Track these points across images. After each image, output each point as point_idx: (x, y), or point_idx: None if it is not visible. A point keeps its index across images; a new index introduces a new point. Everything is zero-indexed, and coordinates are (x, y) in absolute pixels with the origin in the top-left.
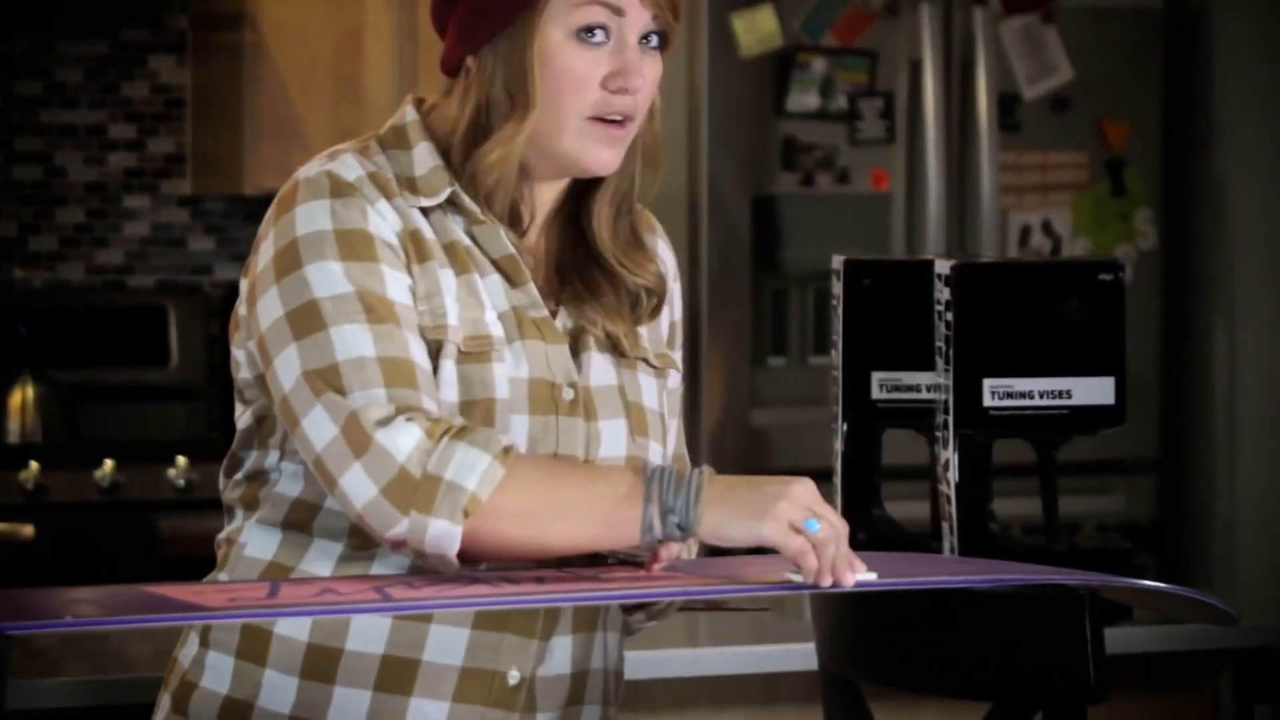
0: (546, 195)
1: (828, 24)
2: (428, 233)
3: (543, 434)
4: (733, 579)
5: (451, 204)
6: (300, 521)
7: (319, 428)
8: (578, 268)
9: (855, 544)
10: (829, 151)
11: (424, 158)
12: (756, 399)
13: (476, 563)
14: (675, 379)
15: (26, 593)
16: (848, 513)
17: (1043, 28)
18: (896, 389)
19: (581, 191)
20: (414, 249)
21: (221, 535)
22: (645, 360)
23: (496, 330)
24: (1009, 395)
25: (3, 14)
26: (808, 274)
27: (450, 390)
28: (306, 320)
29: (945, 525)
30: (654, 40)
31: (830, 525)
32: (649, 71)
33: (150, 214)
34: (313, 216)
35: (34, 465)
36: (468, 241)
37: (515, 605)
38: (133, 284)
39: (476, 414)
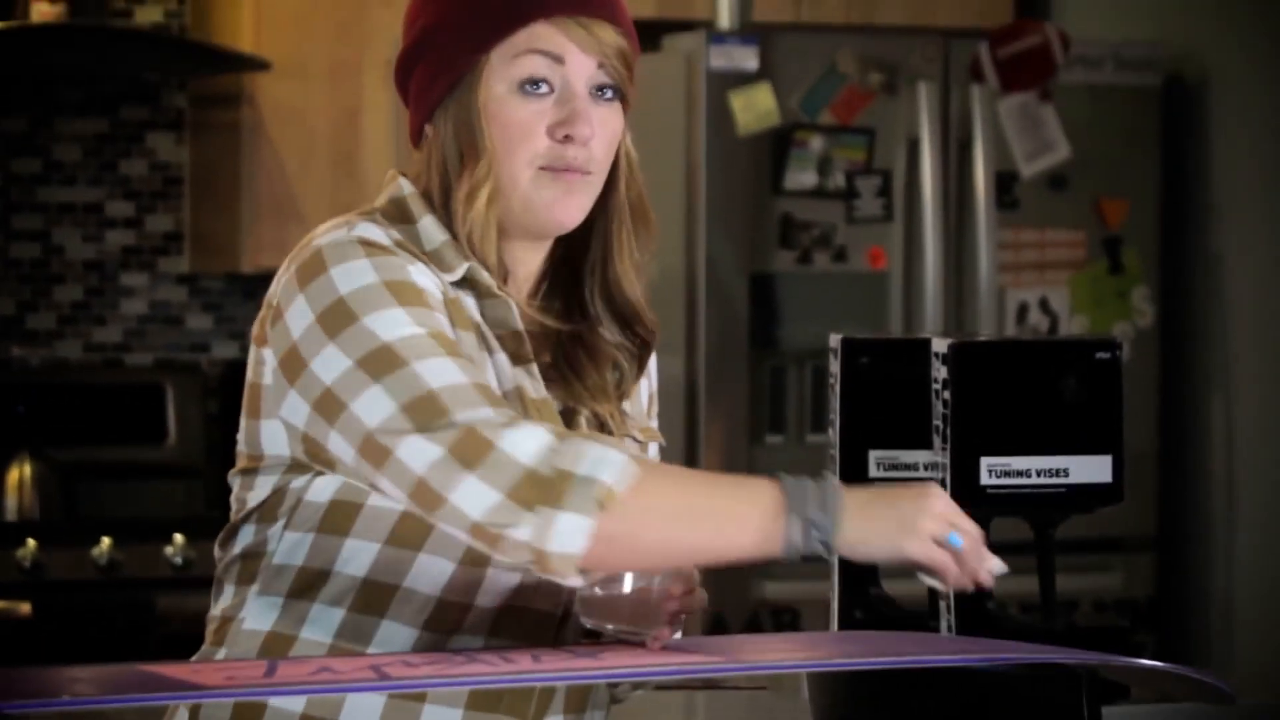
0: (529, 258)
1: (825, 102)
2: (459, 305)
3: None
4: (730, 657)
5: (467, 280)
6: (304, 590)
7: (420, 453)
8: (564, 347)
9: (853, 622)
10: (826, 229)
11: (432, 232)
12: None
13: (598, 574)
14: (654, 449)
15: (24, 671)
16: (845, 592)
17: (1040, 106)
18: (894, 467)
19: (569, 259)
20: (454, 314)
21: (214, 611)
22: (632, 437)
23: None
24: (1006, 474)
25: (1, 92)
26: (805, 352)
27: None
28: (384, 360)
29: (943, 604)
30: (607, 93)
31: (970, 536)
32: (603, 121)
33: (148, 292)
34: (354, 274)
35: (31, 543)
36: (478, 317)
37: (514, 684)
38: (130, 362)
39: None
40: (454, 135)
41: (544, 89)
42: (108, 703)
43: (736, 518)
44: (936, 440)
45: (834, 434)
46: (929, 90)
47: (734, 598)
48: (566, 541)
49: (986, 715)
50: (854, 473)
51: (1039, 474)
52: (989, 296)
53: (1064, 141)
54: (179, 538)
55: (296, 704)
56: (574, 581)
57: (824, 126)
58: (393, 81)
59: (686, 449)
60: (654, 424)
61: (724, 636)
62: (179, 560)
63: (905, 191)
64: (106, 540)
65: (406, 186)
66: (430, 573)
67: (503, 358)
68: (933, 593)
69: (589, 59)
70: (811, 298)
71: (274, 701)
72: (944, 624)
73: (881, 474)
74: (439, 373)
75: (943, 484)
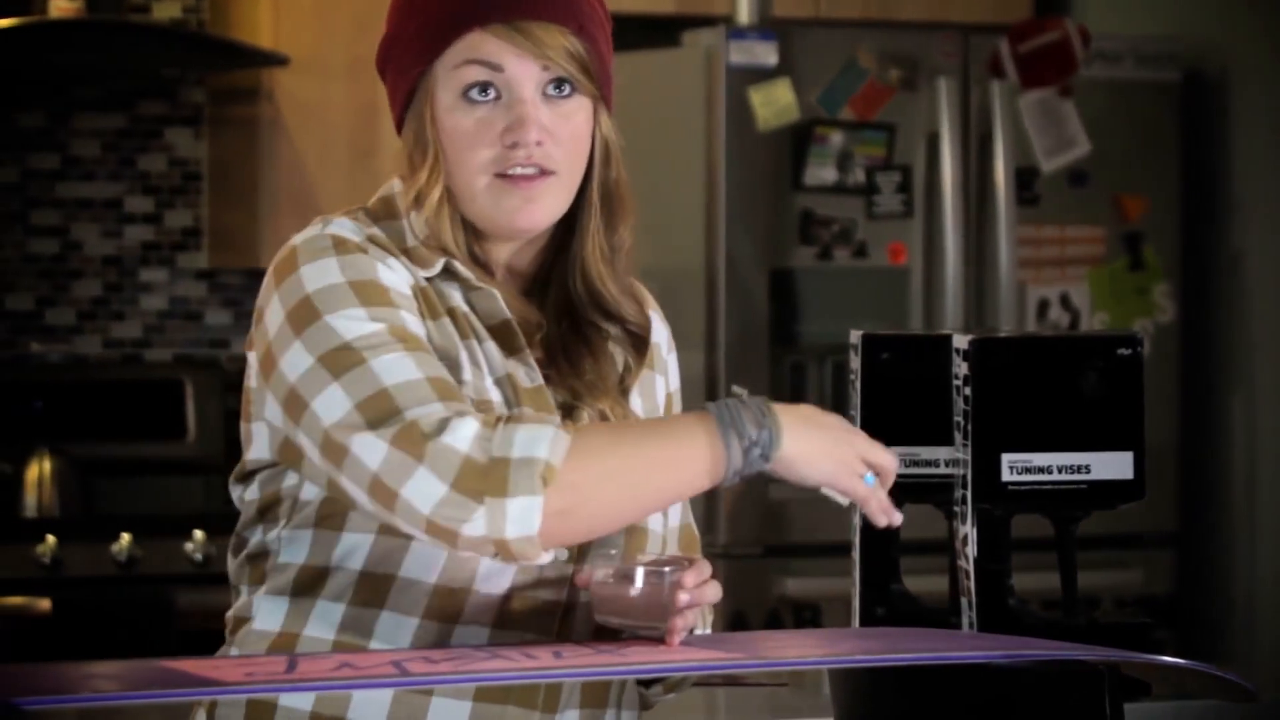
0: (518, 254)
1: (845, 97)
2: (433, 295)
3: None
4: (751, 653)
5: (448, 272)
6: (307, 586)
7: (371, 450)
8: (563, 342)
9: (874, 619)
10: (847, 225)
11: (416, 227)
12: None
13: (567, 547)
14: None
15: (43, 667)
16: (866, 589)
17: (1060, 102)
18: (915, 464)
19: (556, 251)
20: (426, 305)
21: (230, 613)
22: None
23: (495, 396)
24: (1027, 470)
25: (20, 88)
26: (825, 348)
27: None
28: (343, 359)
29: (964, 600)
30: (564, 89)
31: (886, 473)
32: (562, 119)
33: (167, 287)
34: (322, 273)
35: (51, 539)
36: (465, 308)
37: (535, 679)
38: (150, 358)
39: None
40: (414, 142)
41: (491, 94)
42: (129, 699)
43: (678, 458)
44: (957, 436)
45: None
46: (949, 86)
47: (754, 594)
48: (521, 525)
49: (1008, 712)
50: None
51: (1060, 470)
52: (1009, 292)
53: (1084, 137)
54: (198, 534)
55: (306, 700)
56: (544, 559)
57: (844, 122)
58: None
59: None
60: None
61: (745, 633)
62: (199, 556)
63: (925, 187)
64: (126, 536)
65: (397, 185)
66: (424, 560)
67: (492, 346)
68: (954, 589)
69: (530, 63)
70: (831, 293)
71: (284, 699)
72: (965, 620)
73: (903, 470)
74: (393, 369)
75: (964, 481)
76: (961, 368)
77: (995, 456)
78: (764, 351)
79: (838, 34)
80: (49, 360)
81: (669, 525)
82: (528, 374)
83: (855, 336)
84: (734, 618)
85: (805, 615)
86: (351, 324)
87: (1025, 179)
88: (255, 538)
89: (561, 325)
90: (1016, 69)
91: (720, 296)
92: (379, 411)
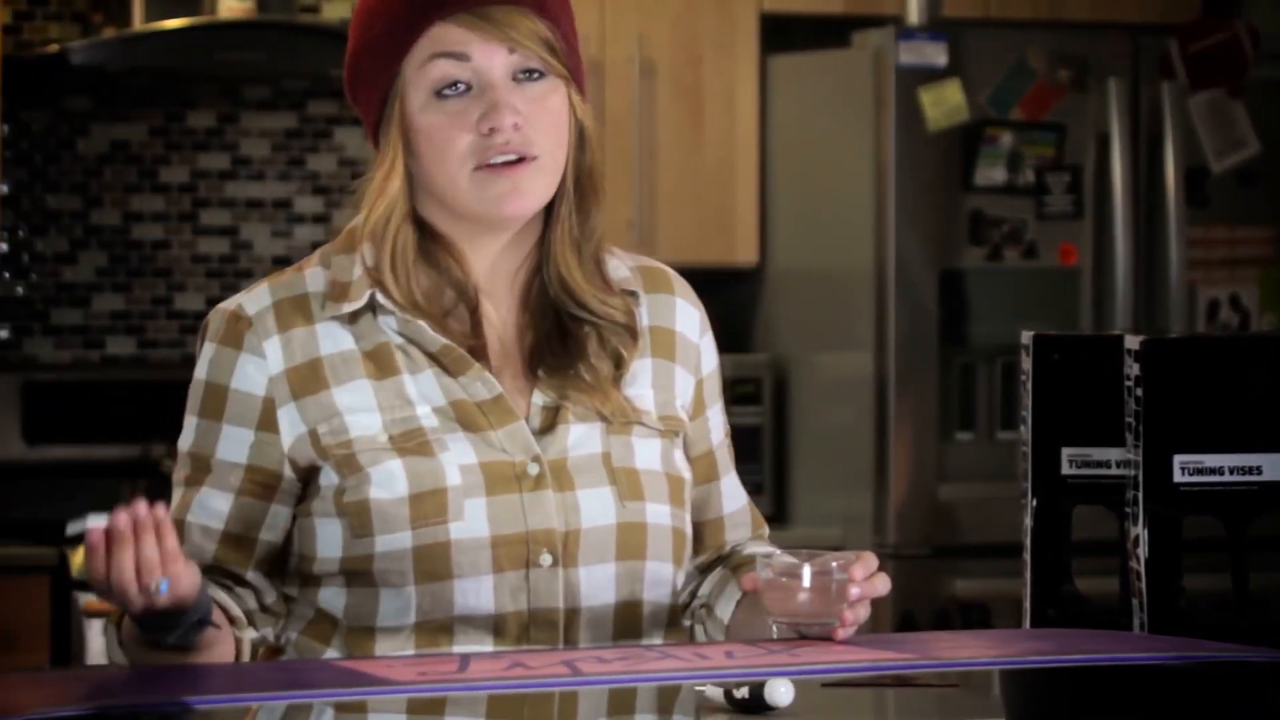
0: (483, 259)
1: (1015, 98)
2: (342, 345)
3: (505, 513)
4: (922, 654)
5: (378, 306)
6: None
7: None
8: (549, 344)
9: (1045, 620)
10: (1017, 225)
11: (363, 259)
12: (944, 474)
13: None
14: (717, 434)
15: (211, 667)
16: (1037, 589)
17: (1230, 103)
18: (1086, 465)
19: (539, 250)
20: (298, 383)
21: None
22: (643, 425)
23: (430, 423)
24: (1199, 471)
25: (190, 88)
26: (995, 348)
27: (399, 484)
28: (177, 465)
29: (1135, 602)
30: (534, 74)
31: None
32: (536, 102)
33: None
34: (202, 361)
35: None
36: (400, 340)
37: (708, 679)
38: None
39: (429, 504)
40: (387, 149)
41: (461, 88)
42: (300, 698)
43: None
44: (1129, 437)
45: (1026, 431)
46: (1119, 86)
47: (924, 595)
48: None
49: (1179, 714)
50: (1047, 470)
51: (1232, 471)
52: (1179, 293)
53: (1254, 137)
54: None
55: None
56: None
57: (1013, 122)
58: None
59: (876, 446)
60: (714, 409)
61: (915, 633)
62: None
63: (1095, 187)
64: None
65: (362, 217)
66: (398, 606)
67: (432, 375)
68: (1125, 590)
69: (497, 48)
70: (1001, 294)
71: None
72: (1136, 622)
73: (1074, 471)
74: (173, 504)
75: (1135, 482)
76: (1133, 369)
77: (1167, 457)
78: (933, 352)
79: (1007, 34)
80: None
81: (684, 515)
82: (485, 386)
83: (1026, 337)
84: (903, 618)
85: (974, 616)
86: (186, 436)
87: (1195, 179)
88: None
89: (546, 323)
90: (1185, 70)
91: (890, 297)
92: None
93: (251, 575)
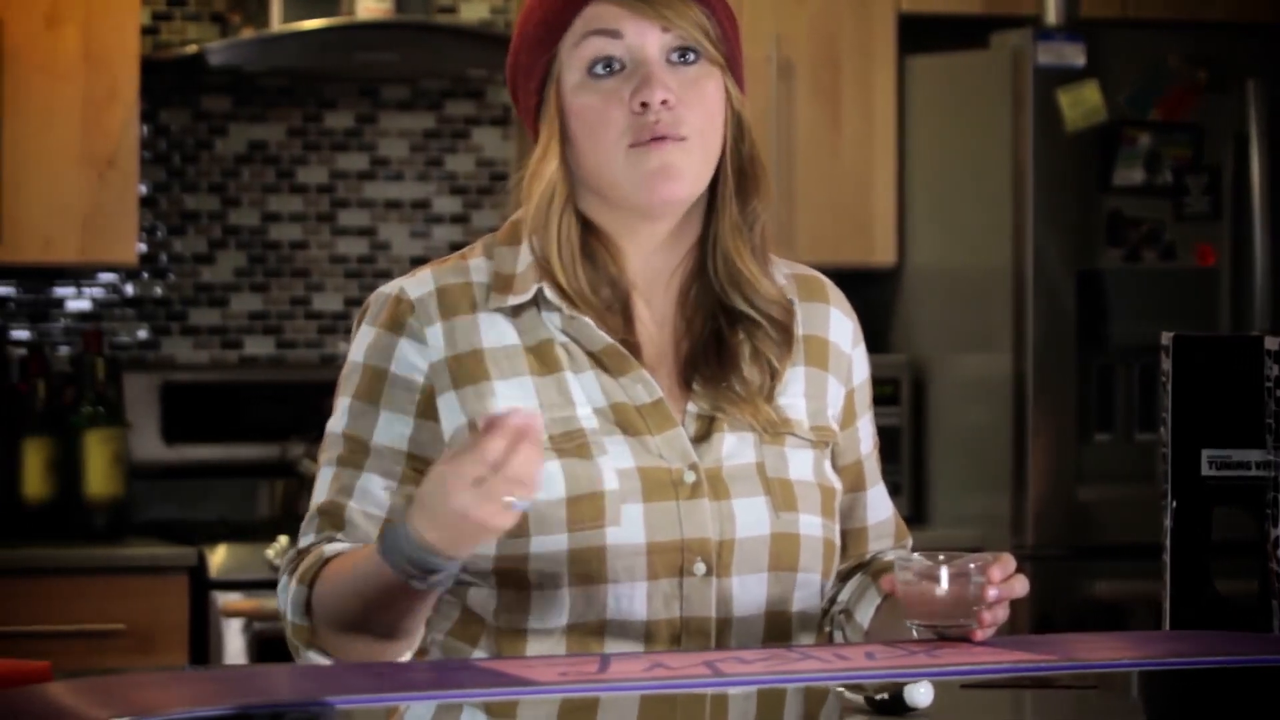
0: (640, 255)
1: (1153, 99)
2: (505, 338)
3: (662, 520)
4: (1061, 654)
5: (543, 301)
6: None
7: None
8: (704, 353)
9: (1185, 622)
10: (1155, 226)
11: (526, 253)
12: (1083, 475)
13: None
14: (866, 444)
15: (353, 665)
16: (1176, 591)
17: None
18: (1226, 466)
19: (699, 250)
20: (460, 372)
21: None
22: (795, 435)
23: (590, 424)
24: None
25: (328, 88)
26: (1133, 349)
27: (557, 486)
28: (323, 448)
29: (1275, 603)
30: (689, 55)
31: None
32: (689, 84)
33: None
34: (358, 343)
35: None
36: (563, 338)
37: (850, 679)
38: None
39: (586, 507)
40: (554, 128)
41: (616, 66)
42: (443, 697)
43: (375, 591)
44: (1269, 439)
45: (1165, 433)
46: (1257, 86)
47: (1062, 596)
48: (323, 658)
49: None
50: (1186, 472)
51: None
52: None
53: None
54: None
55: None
56: None
57: (1152, 123)
58: None
59: (1015, 447)
60: (863, 419)
61: (1054, 635)
62: None
63: (1233, 188)
64: None
65: (525, 209)
66: (550, 606)
67: (593, 375)
68: (1265, 592)
69: (650, 25)
70: (1140, 295)
71: None
72: (1276, 623)
73: (1214, 473)
74: (319, 486)
75: (1275, 483)
76: (1273, 370)
77: None
78: (1071, 353)
79: (1145, 34)
80: None
81: (834, 526)
82: (645, 389)
83: (1166, 338)
84: (1040, 619)
85: (1112, 617)
86: (338, 417)
87: None
88: None
89: (705, 331)
90: None
91: (1028, 298)
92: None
93: None
